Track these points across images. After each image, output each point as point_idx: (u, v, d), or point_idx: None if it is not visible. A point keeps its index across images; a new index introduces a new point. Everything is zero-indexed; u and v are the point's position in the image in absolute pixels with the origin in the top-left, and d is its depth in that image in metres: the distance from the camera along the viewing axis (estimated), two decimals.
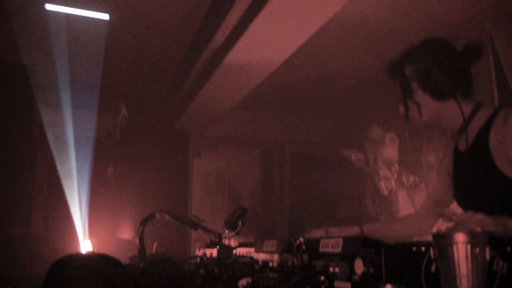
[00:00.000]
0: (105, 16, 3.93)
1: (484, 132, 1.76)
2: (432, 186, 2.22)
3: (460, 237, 0.98)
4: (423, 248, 1.13)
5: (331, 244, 1.32)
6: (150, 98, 6.37)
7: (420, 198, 4.93)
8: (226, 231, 2.24)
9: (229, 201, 7.00)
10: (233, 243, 2.19)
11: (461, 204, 1.95)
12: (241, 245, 2.08)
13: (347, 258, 1.22)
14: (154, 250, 2.65)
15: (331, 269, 1.28)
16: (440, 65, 1.78)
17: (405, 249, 1.16)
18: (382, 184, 5.12)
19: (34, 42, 4.41)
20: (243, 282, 1.58)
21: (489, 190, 1.74)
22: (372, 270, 1.13)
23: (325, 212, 6.72)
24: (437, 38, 1.87)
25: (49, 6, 3.96)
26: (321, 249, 1.36)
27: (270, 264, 1.62)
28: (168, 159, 6.18)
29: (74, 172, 5.11)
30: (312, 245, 1.41)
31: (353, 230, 2.04)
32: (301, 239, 1.44)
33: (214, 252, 2.13)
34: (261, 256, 1.73)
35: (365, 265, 1.15)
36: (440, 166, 2.20)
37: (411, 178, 4.95)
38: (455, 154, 1.95)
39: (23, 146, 4.98)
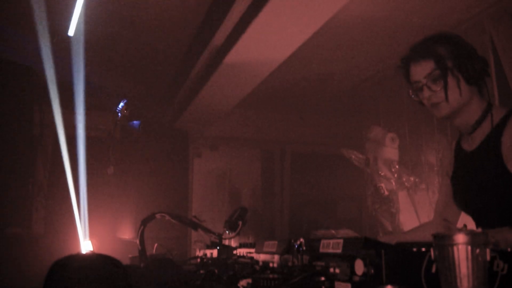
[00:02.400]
0: None
1: (496, 133, 1.73)
2: (438, 190, 2.19)
3: (460, 238, 0.98)
4: (423, 248, 1.13)
5: (332, 245, 1.31)
6: (150, 98, 6.37)
7: (420, 199, 4.93)
8: (227, 231, 2.24)
9: (229, 201, 6.99)
10: (233, 243, 2.19)
11: (458, 204, 1.92)
12: (241, 245, 2.08)
13: (347, 258, 1.22)
14: (154, 250, 2.65)
15: (331, 270, 1.28)
16: (471, 50, 1.77)
17: (405, 250, 1.16)
18: (382, 185, 5.11)
19: (34, 42, 4.41)
20: (243, 282, 1.58)
21: (495, 192, 1.72)
22: (372, 271, 1.13)
23: (325, 212, 6.71)
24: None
25: (71, 31, 3.96)
26: (321, 250, 1.36)
27: (271, 264, 1.62)
28: (168, 159, 6.18)
29: (74, 172, 5.10)
30: (313, 246, 1.41)
31: None
32: (302, 240, 1.45)
33: (214, 252, 2.14)
34: (261, 257, 1.73)
35: (365, 265, 1.15)
36: (440, 168, 2.18)
37: (412, 178, 4.94)
38: (458, 153, 1.93)
39: (23, 146, 4.98)
